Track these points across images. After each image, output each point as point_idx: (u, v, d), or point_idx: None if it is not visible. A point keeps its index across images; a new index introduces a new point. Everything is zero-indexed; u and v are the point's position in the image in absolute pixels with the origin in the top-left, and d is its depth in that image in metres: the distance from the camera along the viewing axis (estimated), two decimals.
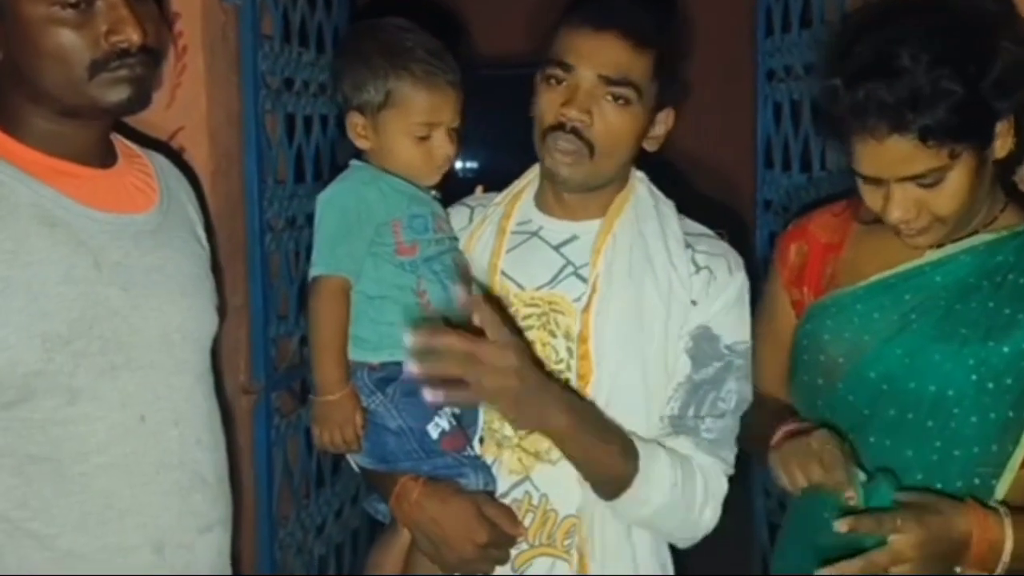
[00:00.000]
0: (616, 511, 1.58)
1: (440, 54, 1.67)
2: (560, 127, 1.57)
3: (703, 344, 1.62)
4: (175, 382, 1.50)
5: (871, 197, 1.51)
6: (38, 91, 1.41)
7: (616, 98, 1.56)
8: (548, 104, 1.59)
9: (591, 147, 1.57)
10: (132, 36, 1.39)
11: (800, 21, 2.62)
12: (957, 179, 1.45)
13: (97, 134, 1.50)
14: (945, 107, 1.40)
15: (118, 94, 1.41)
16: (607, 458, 1.53)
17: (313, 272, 1.64)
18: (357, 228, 1.62)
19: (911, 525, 1.39)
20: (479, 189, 1.86)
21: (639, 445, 1.55)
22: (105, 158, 1.53)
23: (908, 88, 1.40)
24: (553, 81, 1.59)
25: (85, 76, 1.39)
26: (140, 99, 1.44)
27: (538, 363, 1.52)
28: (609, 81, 1.56)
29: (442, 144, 1.67)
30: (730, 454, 1.64)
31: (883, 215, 1.50)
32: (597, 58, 1.56)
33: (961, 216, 1.50)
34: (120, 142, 1.59)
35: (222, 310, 1.68)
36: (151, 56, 1.44)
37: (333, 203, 1.65)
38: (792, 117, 2.70)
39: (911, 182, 1.45)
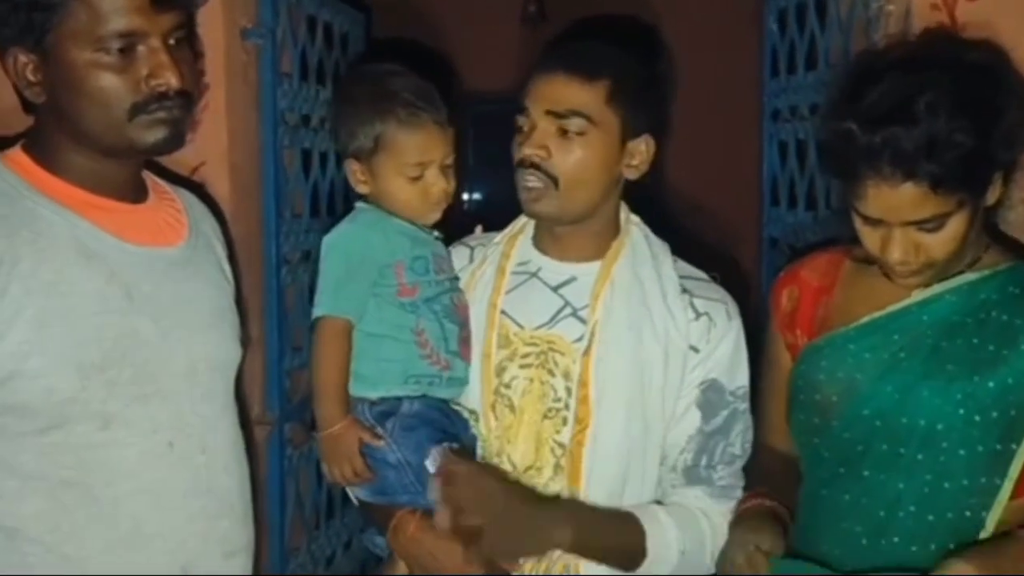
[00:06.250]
0: None
1: (425, 94, 1.71)
2: (522, 164, 1.64)
3: (711, 395, 1.68)
4: (201, 410, 1.55)
5: (870, 238, 1.54)
6: (79, 131, 1.46)
7: (566, 130, 1.63)
8: (515, 146, 1.67)
9: (555, 180, 1.63)
10: (171, 80, 1.45)
11: (805, 63, 2.66)
12: (955, 225, 1.49)
13: (131, 171, 1.56)
14: (958, 157, 1.44)
15: (155, 135, 1.47)
16: (616, 555, 1.63)
17: (316, 312, 1.67)
18: (361, 271, 1.66)
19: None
20: (479, 228, 1.89)
21: (647, 526, 1.62)
22: (137, 194, 1.58)
23: (925, 136, 1.43)
24: (518, 126, 1.67)
25: (125, 118, 1.45)
26: (176, 140, 1.50)
27: (528, 494, 1.63)
28: (557, 115, 1.63)
29: (436, 181, 1.71)
30: (740, 490, 1.69)
31: (880, 255, 1.54)
32: (543, 96, 1.64)
33: (951, 259, 1.54)
34: (151, 178, 1.64)
35: (245, 342, 1.72)
36: (187, 99, 1.50)
37: (338, 246, 1.69)
38: (797, 156, 2.74)
39: (913, 226, 1.49)
